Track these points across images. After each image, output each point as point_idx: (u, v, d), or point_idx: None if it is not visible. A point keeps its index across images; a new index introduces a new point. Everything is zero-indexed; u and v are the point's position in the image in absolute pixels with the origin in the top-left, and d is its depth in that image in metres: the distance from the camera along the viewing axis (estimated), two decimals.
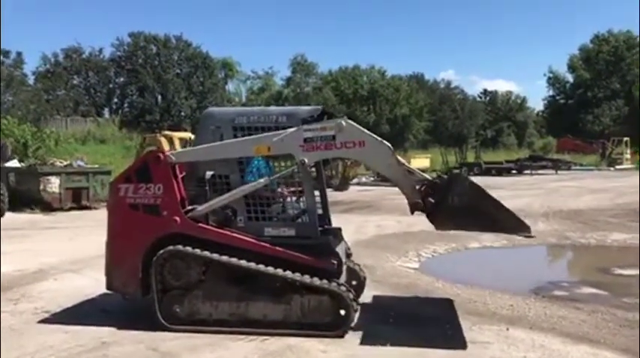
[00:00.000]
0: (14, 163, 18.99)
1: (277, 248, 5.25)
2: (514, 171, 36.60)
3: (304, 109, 5.58)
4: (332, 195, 22.64)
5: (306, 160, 5.20)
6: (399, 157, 5.41)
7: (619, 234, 11.40)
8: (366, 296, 6.46)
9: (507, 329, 5.44)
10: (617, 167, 41.13)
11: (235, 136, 5.43)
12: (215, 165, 5.49)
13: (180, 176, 5.52)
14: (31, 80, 45.35)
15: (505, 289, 7.15)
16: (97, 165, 20.22)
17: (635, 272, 8.16)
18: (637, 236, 10.87)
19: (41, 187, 16.58)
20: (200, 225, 5.34)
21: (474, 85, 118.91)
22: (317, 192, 6.05)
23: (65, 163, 18.75)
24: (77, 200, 16.91)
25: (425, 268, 8.71)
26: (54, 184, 16.74)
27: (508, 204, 14.78)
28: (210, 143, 5.47)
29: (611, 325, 5.64)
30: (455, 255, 9.79)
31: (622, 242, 10.68)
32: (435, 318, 5.80)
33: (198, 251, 5.24)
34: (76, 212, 16.14)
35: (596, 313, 6.06)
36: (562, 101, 69.43)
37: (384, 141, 5.22)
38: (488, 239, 11.14)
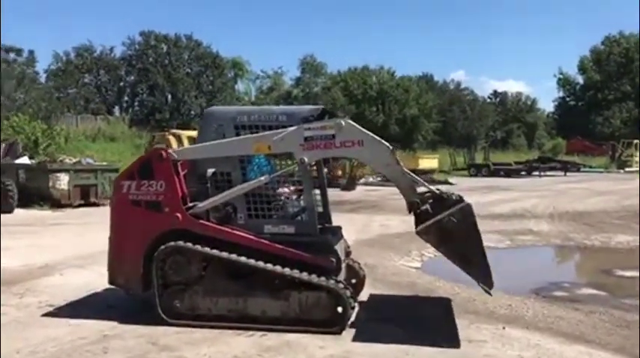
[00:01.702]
0: (24, 160, 19.19)
1: (276, 245, 5.32)
2: (523, 173, 36.55)
3: (305, 109, 5.65)
4: (339, 194, 22.88)
5: (306, 159, 5.27)
6: (398, 158, 5.43)
7: (623, 236, 11.39)
8: (366, 295, 6.53)
9: (504, 328, 5.48)
10: (627, 169, 40.95)
11: (237, 134, 5.51)
12: (217, 162, 5.57)
13: (182, 173, 5.60)
14: (42, 78, 45.82)
15: (505, 289, 7.14)
16: (105, 163, 20.42)
17: (636, 273, 8.17)
18: None
19: (50, 184, 16.78)
20: (201, 221, 5.42)
21: (484, 86, 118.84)
22: (318, 191, 6.14)
23: (74, 161, 18.95)
24: (86, 197, 17.10)
25: (427, 268, 8.75)
26: (63, 181, 16.94)
27: (515, 205, 14.91)
28: (212, 141, 5.56)
29: (607, 325, 5.66)
30: None
31: (626, 244, 10.67)
32: (433, 317, 5.86)
33: (198, 247, 5.32)
34: (85, 209, 16.32)
35: (594, 314, 6.09)
36: (572, 103, 69.18)
37: (383, 141, 5.28)
38: (492, 239, 11.18)
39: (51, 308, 6.01)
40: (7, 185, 15.71)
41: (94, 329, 5.27)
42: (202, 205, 5.46)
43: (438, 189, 5.55)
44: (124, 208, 5.60)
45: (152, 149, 5.70)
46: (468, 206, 5.04)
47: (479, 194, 22.09)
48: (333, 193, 23.38)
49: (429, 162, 32.58)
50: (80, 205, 16.65)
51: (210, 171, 5.59)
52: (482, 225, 13.41)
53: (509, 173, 35.79)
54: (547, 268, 9.03)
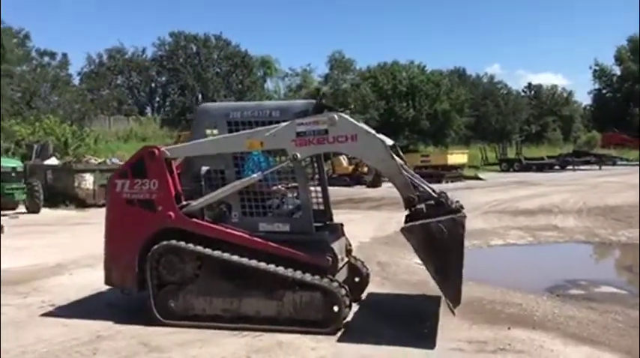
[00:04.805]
0: (53, 161, 19.54)
1: (270, 243, 5.21)
2: (556, 167, 35.72)
3: (298, 103, 5.54)
4: (363, 191, 22.76)
5: (299, 155, 5.13)
6: (394, 155, 5.21)
7: None
8: (371, 293, 6.36)
9: (509, 328, 5.25)
10: None
11: (230, 131, 5.40)
12: (210, 160, 5.49)
13: (176, 172, 5.53)
14: (76, 81, 46.66)
15: (519, 287, 6.92)
16: None
17: None
18: None
19: (76, 184, 17.06)
20: (194, 220, 5.34)
21: (520, 79, 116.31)
22: (319, 188, 6.00)
23: (99, 161, 19.20)
24: None
25: None
26: (88, 181, 17.20)
27: (544, 200, 14.43)
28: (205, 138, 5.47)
29: (620, 326, 5.37)
30: (475, 252, 9.52)
31: None
32: (435, 317, 5.64)
33: (191, 246, 5.24)
34: None
35: (608, 313, 5.80)
36: (609, 94, 67.22)
37: (378, 135, 5.11)
38: (513, 236, 10.87)
39: (51, 308, 6.02)
40: (34, 186, 15.99)
41: (89, 330, 5.25)
42: (196, 203, 5.38)
43: (443, 193, 5.23)
44: (118, 207, 5.58)
45: (145, 147, 5.62)
46: (461, 218, 4.79)
47: (508, 189, 21.63)
48: (357, 190, 23.39)
49: (458, 157, 32.01)
50: (105, 205, 16.76)
51: (204, 169, 5.51)
52: (505, 221, 13.06)
53: (542, 167, 35.00)
54: (566, 265, 8.67)
